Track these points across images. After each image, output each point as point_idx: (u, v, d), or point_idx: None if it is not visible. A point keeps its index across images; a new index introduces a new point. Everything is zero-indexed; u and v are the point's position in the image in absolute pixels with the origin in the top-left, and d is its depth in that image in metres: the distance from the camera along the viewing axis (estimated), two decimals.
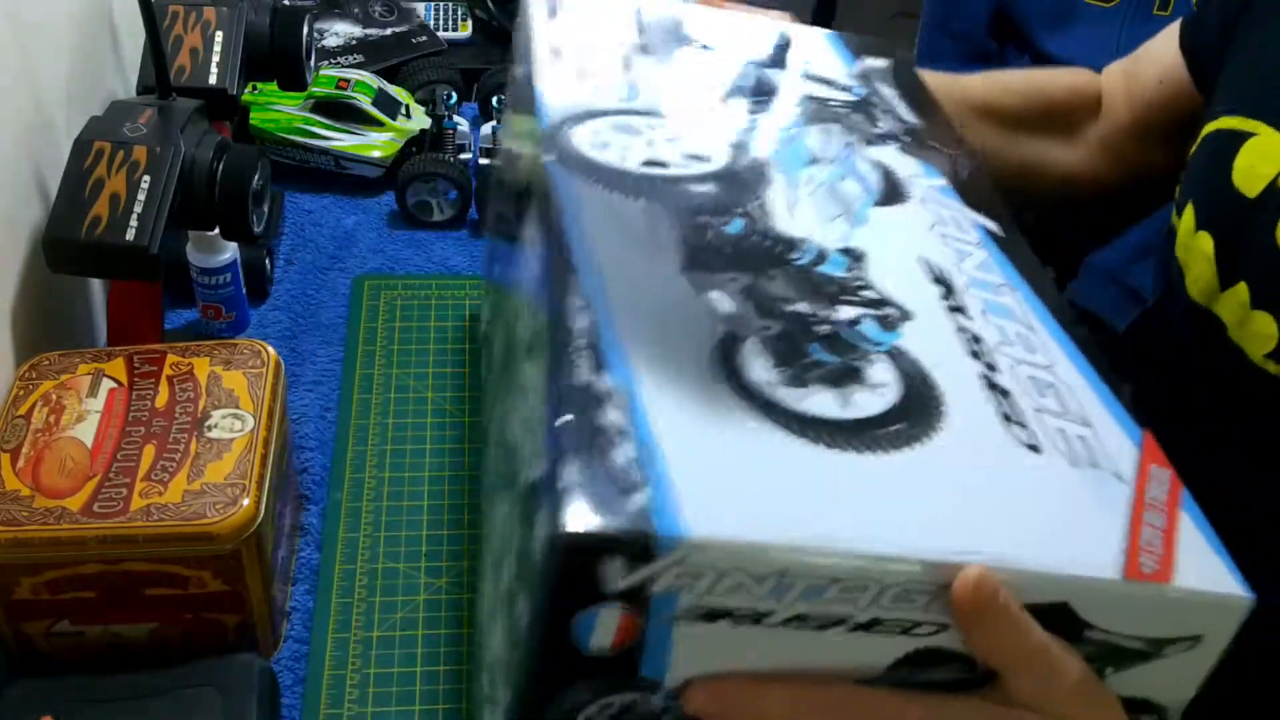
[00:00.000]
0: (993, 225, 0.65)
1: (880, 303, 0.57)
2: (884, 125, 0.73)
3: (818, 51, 0.80)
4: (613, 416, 0.46)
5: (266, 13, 0.97)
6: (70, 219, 0.80)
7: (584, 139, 0.63)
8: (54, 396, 0.76)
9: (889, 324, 0.56)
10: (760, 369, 0.51)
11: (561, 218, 0.57)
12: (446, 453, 0.93)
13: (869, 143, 0.70)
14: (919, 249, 0.62)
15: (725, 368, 0.51)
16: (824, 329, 0.55)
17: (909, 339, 0.55)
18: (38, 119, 0.90)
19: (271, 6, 0.98)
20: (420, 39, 1.31)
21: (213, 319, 1.00)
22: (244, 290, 1.00)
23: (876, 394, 0.52)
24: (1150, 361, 0.83)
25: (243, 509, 0.71)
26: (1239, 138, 0.72)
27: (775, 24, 0.83)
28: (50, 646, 0.75)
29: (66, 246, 0.81)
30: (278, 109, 1.15)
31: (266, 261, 1.04)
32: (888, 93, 0.77)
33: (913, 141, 0.72)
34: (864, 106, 0.75)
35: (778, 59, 0.78)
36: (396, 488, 0.90)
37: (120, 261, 0.81)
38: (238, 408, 0.76)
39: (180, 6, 0.95)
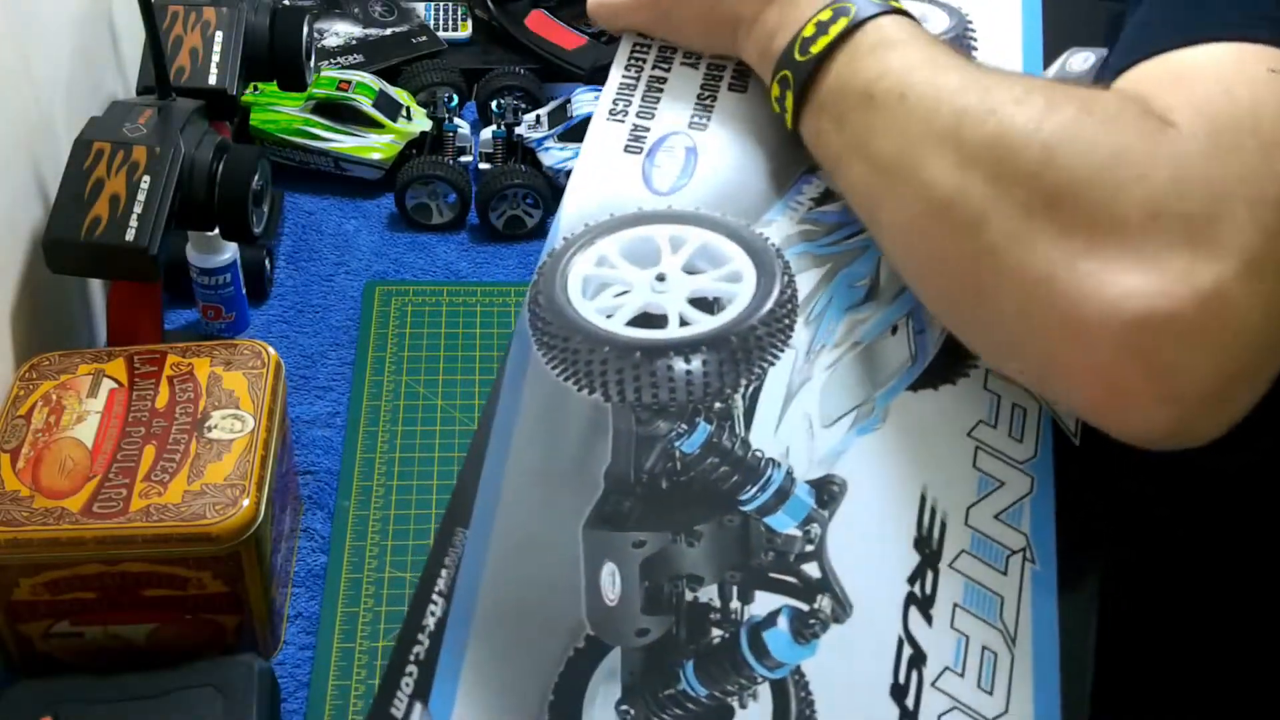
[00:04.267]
0: (1071, 422, 0.51)
1: (816, 588, 0.47)
2: None
3: (995, 46, 0.62)
4: None
5: (266, 13, 0.97)
6: (70, 219, 0.80)
7: (583, 270, 0.55)
8: (54, 397, 0.76)
9: (807, 631, 0.46)
10: (600, 709, 0.45)
11: (493, 413, 0.51)
12: (455, 461, 0.93)
13: None
14: (929, 475, 0.49)
15: (565, 700, 0.45)
16: (716, 636, 0.46)
17: (825, 655, 0.46)
18: (38, 119, 0.90)
19: (271, 6, 0.98)
20: (420, 39, 1.31)
21: (213, 319, 1.00)
22: (244, 290, 1.00)
23: None
24: None
25: (242, 510, 0.71)
26: None
27: (954, 3, 0.64)
28: (49, 647, 0.75)
29: (66, 247, 0.81)
30: (278, 110, 1.14)
31: (266, 262, 1.04)
32: None
33: None
34: None
35: None
36: (404, 496, 0.90)
37: (120, 261, 0.81)
38: (238, 408, 0.76)
39: (180, 6, 0.94)
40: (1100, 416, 0.44)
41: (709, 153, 0.59)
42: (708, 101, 0.61)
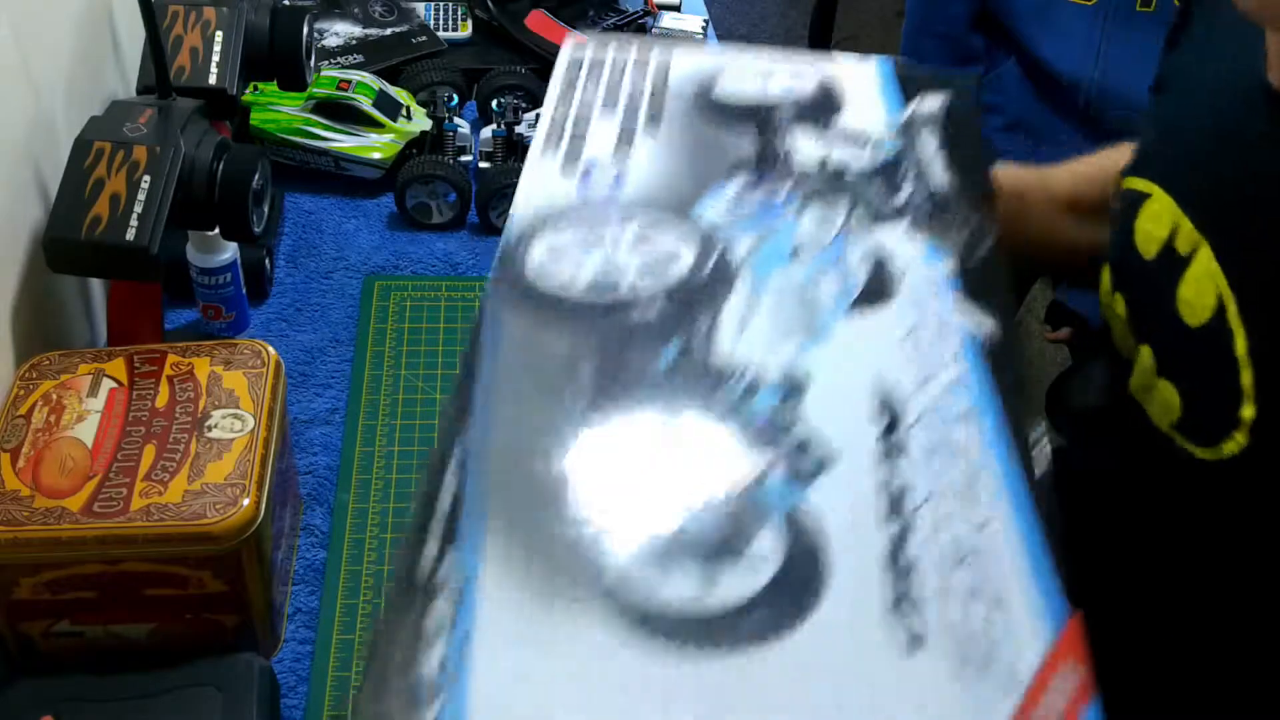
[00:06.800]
0: (987, 325, 0.60)
1: (802, 447, 0.54)
2: (905, 193, 0.68)
3: (861, 96, 0.75)
4: (439, 612, 0.46)
5: (266, 13, 0.97)
6: (70, 219, 0.80)
7: (539, 255, 0.62)
8: (54, 396, 0.76)
9: (802, 476, 0.53)
10: (623, 546, 0.49)
11: (478, 359, 0.56)
12: None
13: (877, 220, 0.66)
14: (878, 368, 0.58)
15: (589, 545, 0.49)
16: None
17: (820, 494, 0.52)
18: (38, 119, 0.90)
19: (271, 6, 0.98)
20: (420, 39, 1.31)
21: (213, 319, 1.00)
22: (244, 290, 1.00)
23: (749, 574, 0.49)
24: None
25: (243, 509, 0.71)
26: (1139, 198, 0.72)
27: (821, 65, 0.77)
28: (50, 646, 0.75)
29: (67, 246, 0.81)
30: (278, 109, 1.15)
31: (266, 261, 1.04)
32: (927, 146, 0.71)
33: (932, 212, 0.67)
34: (889, 170, 0.69)
35: (806, 112, 0.74)
36: (403, 489, 0.90)
37: (120, 261, 0.81)
38: (238, 408, 0.76)
39: (180, 6, 0.94)
40: None
41: (636, 169, 0.68)
42: (625, 142, 0.71)
